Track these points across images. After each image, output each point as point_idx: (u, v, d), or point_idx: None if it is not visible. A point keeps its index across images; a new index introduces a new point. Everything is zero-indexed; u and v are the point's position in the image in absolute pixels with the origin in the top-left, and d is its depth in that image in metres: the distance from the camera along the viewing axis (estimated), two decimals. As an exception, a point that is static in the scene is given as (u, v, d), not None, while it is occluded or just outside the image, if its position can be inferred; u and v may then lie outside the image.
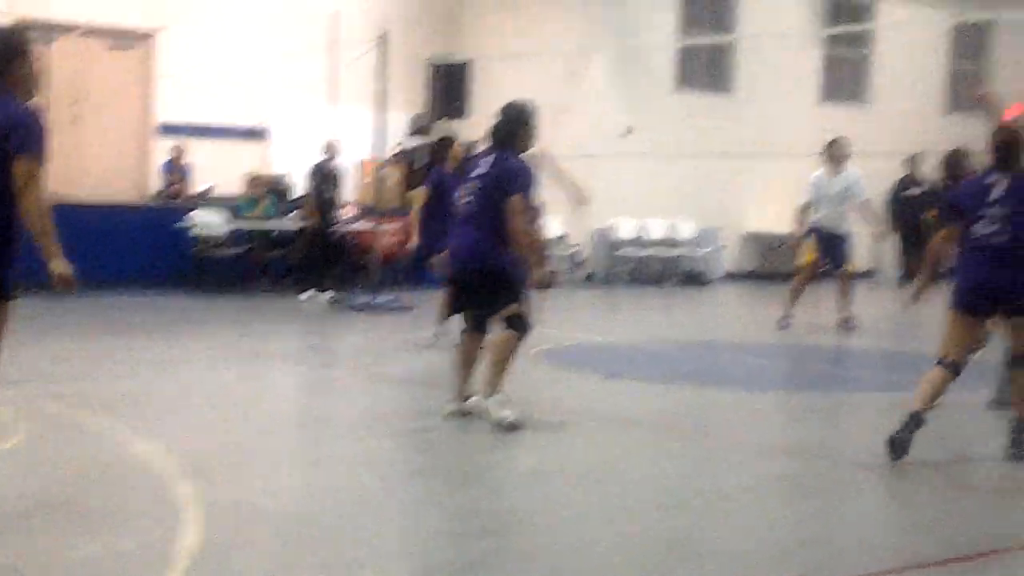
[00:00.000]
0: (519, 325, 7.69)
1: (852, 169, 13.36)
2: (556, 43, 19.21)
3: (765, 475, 6.74)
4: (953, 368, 6.95)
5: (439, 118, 19.59)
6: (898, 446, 6.77)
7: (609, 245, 19.41)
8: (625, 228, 19.40)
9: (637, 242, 19.42)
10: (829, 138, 13.67)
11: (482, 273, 7.67)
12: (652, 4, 19.61)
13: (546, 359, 10.52)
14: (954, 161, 8.39)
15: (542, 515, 5.78)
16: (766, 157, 19.09)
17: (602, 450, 7.29)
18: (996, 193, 6.88)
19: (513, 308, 7.65)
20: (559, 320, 14.85)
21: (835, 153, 13.33)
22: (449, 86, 19.48)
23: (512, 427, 7.48)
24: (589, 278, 19.37)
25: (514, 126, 7.84)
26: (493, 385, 7.70)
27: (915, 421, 6.80)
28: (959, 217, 7.02)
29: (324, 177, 15.54)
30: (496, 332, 7.76)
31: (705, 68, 20.51)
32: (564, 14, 19.69)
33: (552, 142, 19.69)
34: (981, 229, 6.89)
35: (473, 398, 7.84)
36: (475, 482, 6.45)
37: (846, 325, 13.02)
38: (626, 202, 19.36)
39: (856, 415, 8.86)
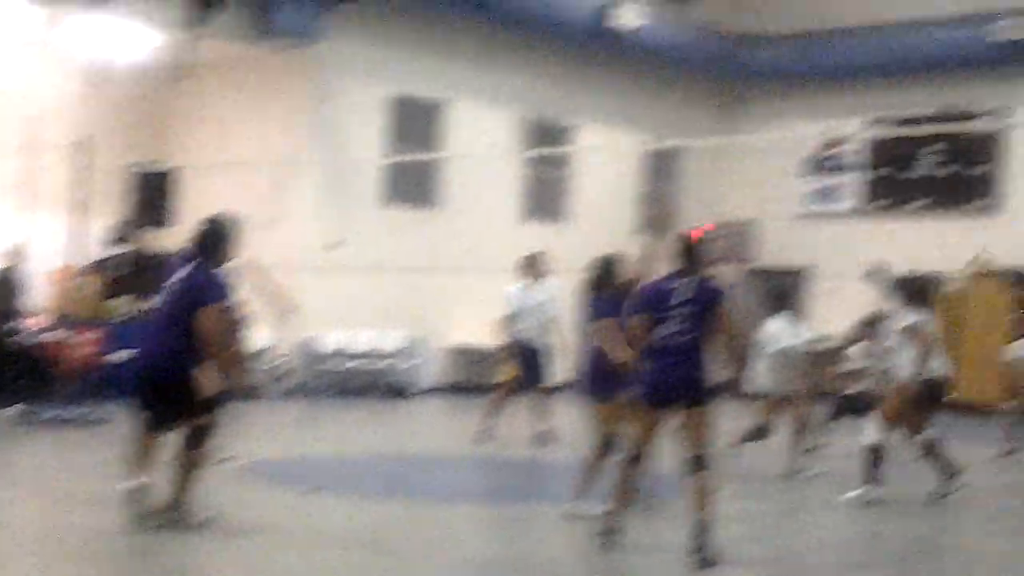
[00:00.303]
0: (201, 436, 7.69)
1: (552, 282, 13.84)
2: (262, 155, 19.22)
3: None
4: (639, 459, 7.49)
5: (141, 227, 19.19)
6: (608, 533, 7.56)
7: (314, 357, 19.34)
8: (330, 340, 19.39)
9: (342, 354, 19.43)
10: (527, 253, 14.13)
11: (166, 380, 7.63)
12: (359, 119, 19.93)
13: (248, 473, 10.35)
14: (604, 268, 8.91)
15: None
16: (471, 272, 19.55)
17: (297, 567, 7.21)
18: (677, 296, 7.38)
19: (199, 419, 7.60)
20: (261, 433, 14.66)
21: (533, 267, 13.80)
22: (151, 194, 19.14)
23: (204, 524, 7.60)
24: (294, 391, 19.19)
25: (214, 237, 7.86)
26: (182, 493, 7.66)
27: (608, 532, 7.52)
28: (646, 317, 7.48)
29: (4, 284, 14.89)
30: (182, 441, 7.69)
31: (412, 184, 20.93)
32: (270, 126, 19.74)
33: (258, 254, 19.63)
34: (664, 330, 7.36)
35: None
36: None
37: (543, 438, 13.34)
38: (332, 314, 19.38)
39: (550, 526, 9.06)
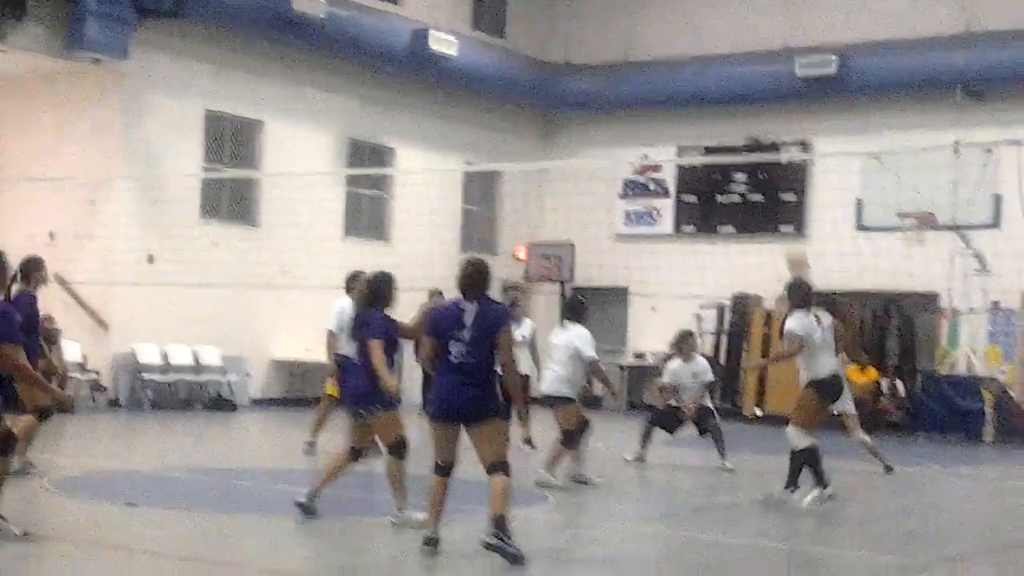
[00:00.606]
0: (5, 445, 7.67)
1: None
2: (74, 170, 18.76)
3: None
4: (445, 470, 7.80)
5: (-55, 239, 18.48)
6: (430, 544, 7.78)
7: (132, 370, 18.93)
8: (148, 354, 19.00)
9: (162, 368, 19.07)
10: (350, 271, 14.11)
11: None
12: (173, 135, 19.63)
13: (62, 487, 10.10)
14: (377, 285, 9.17)
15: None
16: (291, 287, 19.46)
17: None
18: (467, 318, 7.72)
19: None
20: (78, 446, 14.29)
21: (357, 284, 13.79)
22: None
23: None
24: (112, 404, 18.76)
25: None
26: None
27: (428, 541, 7.78)
28: (436, 338, 7.80)
29: None
30: None
31: (230, 200, 20.72)
32: (81, 141, 19.27)
33: (71, 268, 19.14)
34: (454, 350, 7.69)
35: None
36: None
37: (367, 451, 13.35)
38: (149, 328, 19.01)
39: (372, 536, 9.06)
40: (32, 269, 10.71)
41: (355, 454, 8.98)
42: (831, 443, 15.70)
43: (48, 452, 13.26)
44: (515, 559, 7.49)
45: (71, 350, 18.32)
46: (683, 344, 13.97)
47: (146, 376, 18.89)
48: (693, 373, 13.79)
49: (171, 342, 19.18)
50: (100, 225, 19.03)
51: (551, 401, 11.81)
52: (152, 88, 19.38)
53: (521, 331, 15.22)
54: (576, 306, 12.29)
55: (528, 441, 15.02)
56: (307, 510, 8.95)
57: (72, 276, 19.11)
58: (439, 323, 7.86)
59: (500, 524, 7.52)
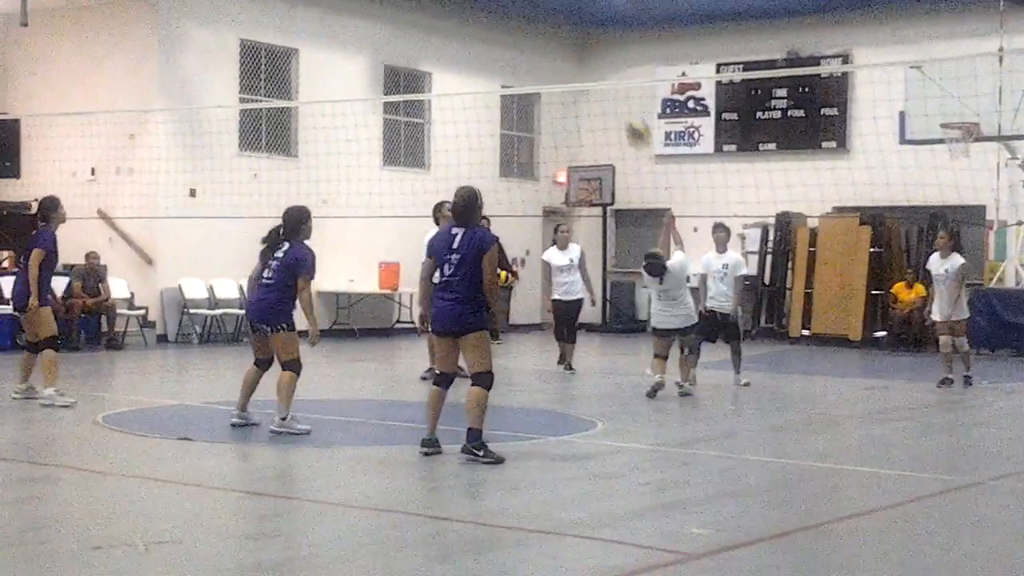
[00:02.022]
0: None
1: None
2: (111, 104, 18.75)
3: (344, 531, 6.86)
4: (444, 379, 8.66)
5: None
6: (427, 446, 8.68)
7: (179, 306, 19.06)
8: (194, 288, 19.11)
9: (208, 302, 19.18)
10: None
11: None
12: (209, 67, 19.56)
13: (115, 423, 10.20)
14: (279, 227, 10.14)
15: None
16: (333, 218, 19.44)
17: (166, 513, 7.14)
18: (456, 242, 8.52)
19: None
20: (129, 383, 14.44)
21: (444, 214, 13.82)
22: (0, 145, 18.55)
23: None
24: (161, 339, 18.93)
25: None
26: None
27: (424, 443, 8.63)
28: (432, 260, 8.80)
29: None
30: None
31: (268, 131, 20.69)
32: (117, 75, 19.24)
33: (114, 204, 19.23)
34: (445, 271, 8.54)
35: None
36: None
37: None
38: (194, 263, 19.10)
39: (418, 467, 9.08)
40: (49, 209, 11.37)
41: (437, 375, 9.13)
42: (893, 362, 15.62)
43: (100, 389, 13.45)
44: (496, 460, 8.31)
45: (118, 286, 18.47)
46: (713, 234, 13.96)
47: (193, 311, 19.01)
48: (724, 264, 13.73)
49: (216, 276, 19.27)
50: (140, 160, 19.06)
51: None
52: (186, 18, 19.29)
53: (569, 255, 15.25)
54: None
55: (569, 366, 15.07)
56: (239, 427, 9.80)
57: (115, 212, 19.22)
58: (435, 246, 8.76)
59: (471, 435, 8.38)
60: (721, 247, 13.86)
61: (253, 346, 10.07)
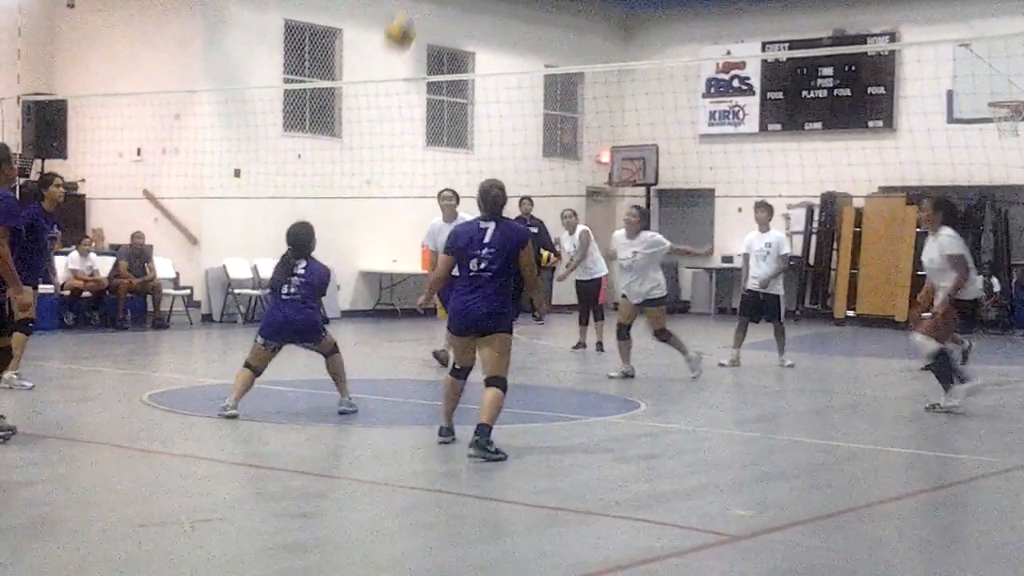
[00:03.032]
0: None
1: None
2: (156, 85, 18.87)
3: (388, 510, 6.91)
4: (461, 372, 8.38)
5: (35, 158, 18.79)
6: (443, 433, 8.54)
7: (223, 285, 19.20)
8: (238, 268, 19.24)
9: (252, 282, 19.30)
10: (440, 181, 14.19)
11: None
12: (255, 46, 19.65)
13: (161, 401, 10.31)
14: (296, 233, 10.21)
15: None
16: (377, 198, 19.52)
17: (212, 491, 7.21)
18: (487, 237, 8.16)
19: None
20: (174, 362, 14.58)
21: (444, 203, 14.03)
22: (45, 126, 18.71)
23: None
24: (206, 319, 19.09)
25: None
26: None
27: (442, 431, 8.51)
28: (455, 254, 8.29)
29: None
30: None
31: (312, 111, 20.76)
32: (160, 55, 19.37)
33: (159, 184, 19.39)
34: (474, 266, 8.14)
35: None
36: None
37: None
38: (239, 243, 19.24)
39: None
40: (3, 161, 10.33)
41: (455, 370, 8.94)
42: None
43: (146, 368, 13.58)
44: (496, 460, 7.93)
45: (164, 266, 18.63)
46: (756, 213, 13.97)
47: (237, 291, 19.14)
48: (766, 243, 13.73)
49: (260, 256, 19.38)
50: (185, 140, 19.19)
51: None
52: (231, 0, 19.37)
53: (573, 240, 15.53)
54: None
55: (599, 345, 15.11)
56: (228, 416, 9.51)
57: (160, 192, 19.37)
58: (459, 241, 8.27)
59: (481, 431, 7.97)
60: (763, 227, 13.84)
61: (269, 352, 10.03)
